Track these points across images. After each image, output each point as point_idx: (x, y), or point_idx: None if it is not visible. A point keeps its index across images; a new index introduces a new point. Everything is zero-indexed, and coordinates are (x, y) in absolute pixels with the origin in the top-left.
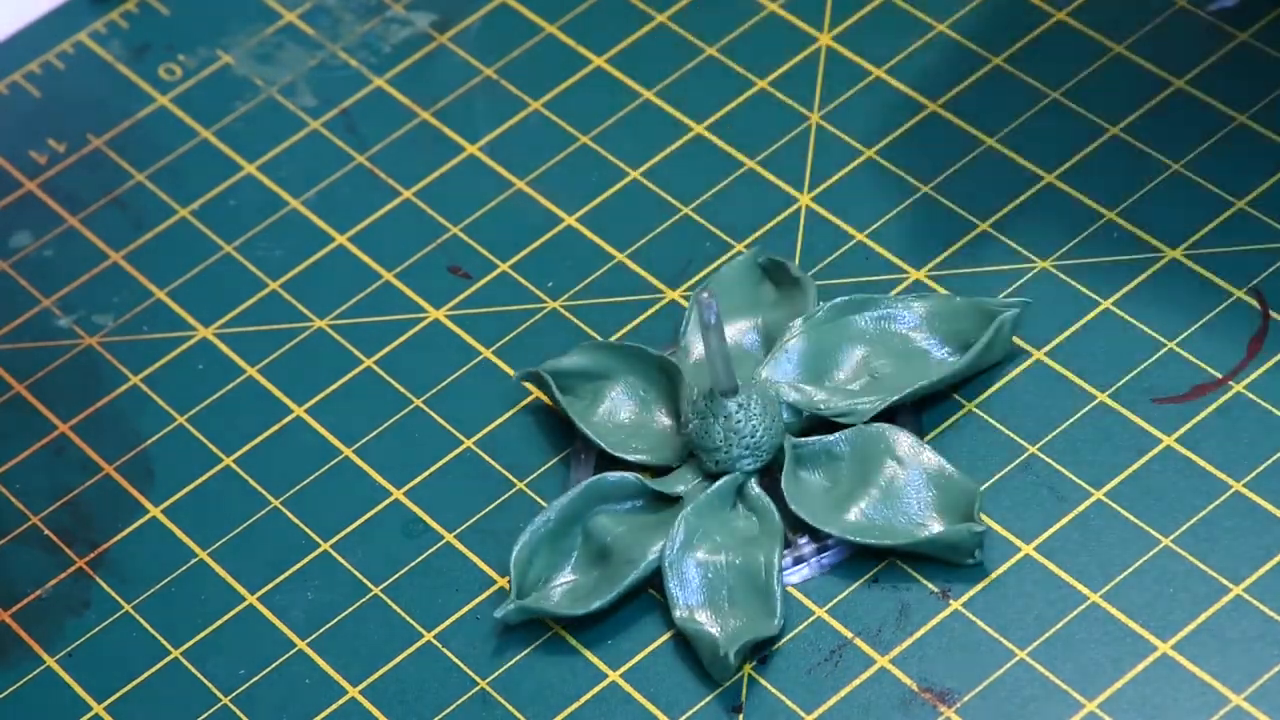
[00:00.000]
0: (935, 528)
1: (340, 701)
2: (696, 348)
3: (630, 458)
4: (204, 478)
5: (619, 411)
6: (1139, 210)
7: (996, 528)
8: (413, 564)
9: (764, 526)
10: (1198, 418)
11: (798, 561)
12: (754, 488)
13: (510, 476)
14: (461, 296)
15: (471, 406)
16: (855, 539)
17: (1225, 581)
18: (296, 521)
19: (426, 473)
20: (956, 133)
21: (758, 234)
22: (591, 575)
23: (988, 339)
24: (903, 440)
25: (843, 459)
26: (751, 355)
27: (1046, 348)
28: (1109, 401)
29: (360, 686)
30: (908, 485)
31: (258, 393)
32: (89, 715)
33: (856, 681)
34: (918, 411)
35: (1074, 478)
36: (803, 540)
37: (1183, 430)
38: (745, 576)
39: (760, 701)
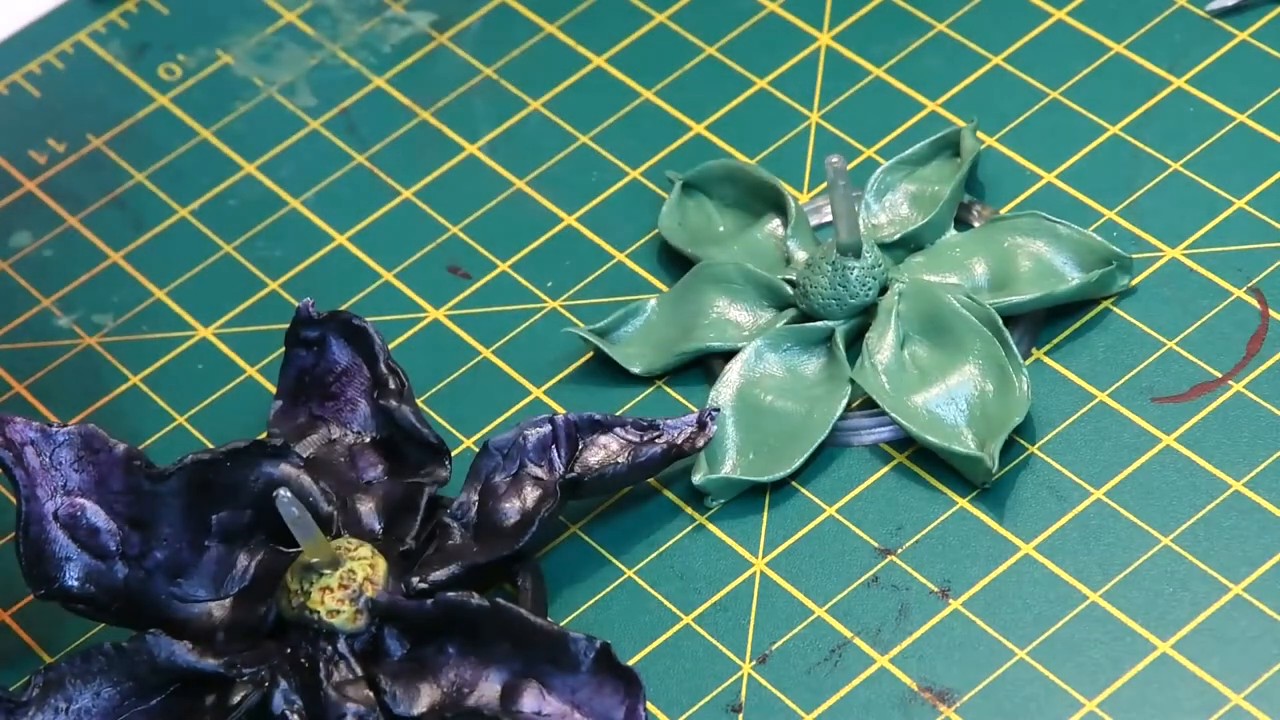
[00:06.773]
0: (1086, 273)
1: None
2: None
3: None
4: None
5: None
6: (1139, 210)
7: (996, 528)
8: None
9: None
10: (1197, 417)
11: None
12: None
13: None
14: (461, 296)
15: (471, 406)
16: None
17: (1225, 581)
18: None
19: None
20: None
21: None
22: (768, 443)
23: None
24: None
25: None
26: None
27: (1046, 347)
28: (1109, 401)
29: None
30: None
31: (258, 393)
32: None
33: (856, 681)
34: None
35: (1074, 478)
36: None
37: (1183, 430)
38: (983, 371)
39: (760, 701)
